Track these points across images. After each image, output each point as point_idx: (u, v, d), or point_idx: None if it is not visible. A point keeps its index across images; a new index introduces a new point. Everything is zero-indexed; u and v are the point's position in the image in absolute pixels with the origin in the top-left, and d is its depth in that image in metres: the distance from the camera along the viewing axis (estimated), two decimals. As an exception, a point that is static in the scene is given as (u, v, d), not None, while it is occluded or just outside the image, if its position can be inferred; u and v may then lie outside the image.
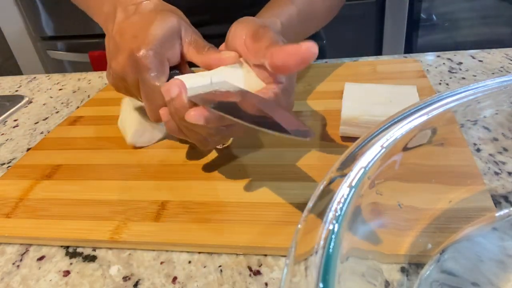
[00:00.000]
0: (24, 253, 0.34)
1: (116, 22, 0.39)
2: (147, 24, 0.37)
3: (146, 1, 0.39)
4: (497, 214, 0.30)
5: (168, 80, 0.35)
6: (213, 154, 0.42)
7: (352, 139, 0.41)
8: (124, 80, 0.38)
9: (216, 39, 0.50)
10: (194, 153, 0.43)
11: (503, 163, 0.36)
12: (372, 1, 1.51)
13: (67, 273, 0.31)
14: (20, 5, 1.69)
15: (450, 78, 0.54)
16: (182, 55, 0.39)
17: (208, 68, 0.37)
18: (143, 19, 0.38)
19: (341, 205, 0.18)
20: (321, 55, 0.77)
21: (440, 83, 0.53)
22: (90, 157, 0.45)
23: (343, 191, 0.19)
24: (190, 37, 0.39)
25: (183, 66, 0.40)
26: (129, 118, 0.42)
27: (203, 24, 0.60)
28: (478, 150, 0.38)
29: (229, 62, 0.36)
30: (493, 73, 0.54)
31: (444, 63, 0.59)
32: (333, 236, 0.17)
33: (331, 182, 0.20)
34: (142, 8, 0.39)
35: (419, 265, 0.28)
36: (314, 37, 0.76)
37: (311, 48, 0.30)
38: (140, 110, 0.42)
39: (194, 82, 0.33)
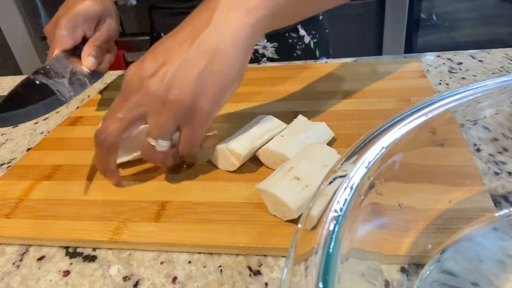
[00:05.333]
0: (24, 253, 0.34)
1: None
2: (79, 2, 0.52)
3: None
4: (497, 214, 0.30)
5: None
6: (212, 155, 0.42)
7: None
8: (50, 39, 0.52)
9: None
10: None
11: (503, 163, 0.36)
12: (372, 1, 1.51)
13: (67, 273, 0.31)
14: (20, 5, 1.69)
15: (450, 78, 0.54)
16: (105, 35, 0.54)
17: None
18: None
19: (341, 205, 0.18)
20: (325, 46, 0.77)
21: (440, 83, 0.53)
22: (90, 158, 0.45)
23: (343, 191, 0.19)
24: (106, 29, 0.54)
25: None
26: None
27: None
28: (478, 150, 0.38)
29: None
30: (493, 73, 0.54)
31: (444, 63, 0.59)
32: (333, 236, 0.17)
33: (331, 182, 0.20)
34: None
35: (419, 265, 0.28)
36: (317, 27, 0.76)
37: None
38: None
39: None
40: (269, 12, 0.34)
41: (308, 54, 0.74)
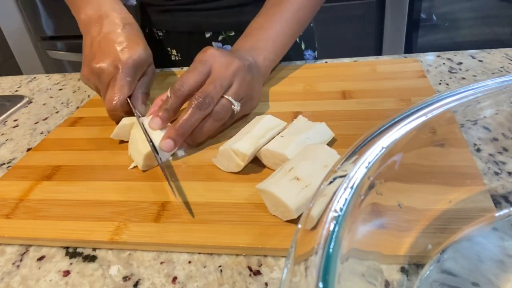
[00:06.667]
0: (24, 253, 0.34)
1: (102, 31, 0.51)
2: (134, 44, 0.50)
3: (129, 25, 0.52)
4: (497, 214, 0.30)
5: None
6: (213, 155, 0.42)
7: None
8: (99, 75, 0.49)
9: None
10: (193, 153, 0.43)
11: (503, 163, 0.36)
12: (372, 1, 1.51)
13: (67, 273, 0.31)
14: (20, 5, 1.69)
15: (450, 78, 0.54)
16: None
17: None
18: (129, 38, 0.50)
19: (341, 205, 0.18)
20: (311, 40, 0.76)
21: (440, 83, 0.53)
22: (90, 158, 0.45)
23: (343, 191, 0.19)
24: (151, 75, 0.54)
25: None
26: (139, 144, 0.42)
27: None
28: (478, 150, 0.38)
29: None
30: (493, 73, 0.54)
31: (444, 63, 0.59)
32: (333, 236, 0.17)
33: (331, 182, 0.20)
34: (128, 29, 0.51)
35: (419, 265, 0.28)
36: None
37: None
38: (149, 136, 0.43)
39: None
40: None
41: (293, 46, 0.73)
